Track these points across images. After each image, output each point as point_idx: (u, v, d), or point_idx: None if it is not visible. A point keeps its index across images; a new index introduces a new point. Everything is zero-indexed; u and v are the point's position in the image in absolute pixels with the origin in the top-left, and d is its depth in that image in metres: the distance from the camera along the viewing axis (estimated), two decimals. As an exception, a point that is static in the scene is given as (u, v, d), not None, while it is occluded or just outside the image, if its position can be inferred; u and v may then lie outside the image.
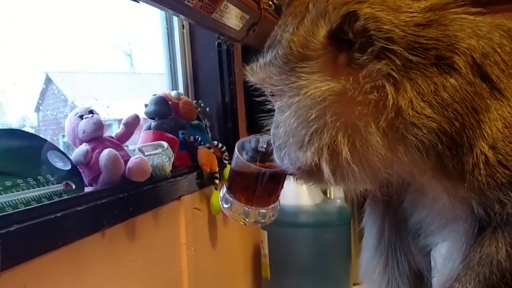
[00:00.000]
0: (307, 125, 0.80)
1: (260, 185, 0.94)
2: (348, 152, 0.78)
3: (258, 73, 0.87)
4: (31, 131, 1.33)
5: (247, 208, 0.96)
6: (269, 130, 0.92)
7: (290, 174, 0.93)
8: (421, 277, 1.07)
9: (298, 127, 0.82)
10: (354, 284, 2.09)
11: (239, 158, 0.96)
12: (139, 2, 1.12)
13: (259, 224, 0.97)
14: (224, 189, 0.99)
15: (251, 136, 1.02)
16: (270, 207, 0.97)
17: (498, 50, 0.79)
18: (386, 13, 0.77)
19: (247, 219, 0.97)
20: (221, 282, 1.82)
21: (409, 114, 0.75)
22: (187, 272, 1.48)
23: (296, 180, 0.94)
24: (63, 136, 1.38)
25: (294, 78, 0.81)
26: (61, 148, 1.37)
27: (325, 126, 0.79)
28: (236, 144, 1.00)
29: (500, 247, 0.78)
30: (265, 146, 0.98)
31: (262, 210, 0.96)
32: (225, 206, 0.99)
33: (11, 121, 1.27)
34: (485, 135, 0.76)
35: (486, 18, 0.84)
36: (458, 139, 0.76)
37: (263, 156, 0.99)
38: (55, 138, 1.42)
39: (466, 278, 0.80)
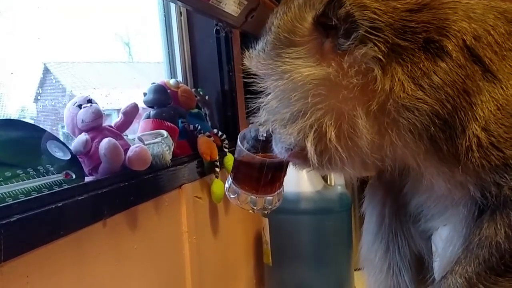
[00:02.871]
0: (290, 105, 0.82)
1: (264, 174, 0.96)
2: (334, 135, 0.80)
3: (252, 59, 0.89)
4: (30, 121, 1.33)
5: (254, 197, 0.98)
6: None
7: (287, 161, 0.95)
8: (422, 261, 1.07)
9: (280, 108, 0.84)
10: (355, 270, 2.11)
11: (242, 149, 0.98)
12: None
13: (266, 211, 1.00)
14: (229, 180, 1.01)
15: (251, 125, 1.03)
16: (276, 193, 1.00)
17: (492, 32, 0.79)
18: (373, 0, 0.78)
19: (254, 207, 1.00)
20: (223, 270, 1.84)
21: (400, 96, 0.76)
22: (189, 260, 1.49)
23: (295, 166, 0.96)
24: (63, 126, 1.38)
25: (279, 63, 0.83)
26: (62, 138, 1.37)
27: (308, 107, 0.80)
28: (239, 135, 1.02)
29: (499, 229, 0.78)
30: (265, 134, 0.99)
31: (269, 197, 0.99)
32: (232, 196, 1.01)
33: (10, 112, 1.27)
34: (477, 117, 0.76)
35: (482, 0, 0.84)
36: (450, 121, 0.76)
37: (264, 144, 1.00)
38: (54, 128, 1.42)
39: (466, 260, 0.81)
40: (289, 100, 0.82)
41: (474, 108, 0.76)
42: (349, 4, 0.75)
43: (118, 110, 1.67)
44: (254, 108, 0.90)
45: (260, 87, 0.88)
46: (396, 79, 0.76)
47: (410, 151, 0.80)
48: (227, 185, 1.02)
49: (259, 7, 1.66)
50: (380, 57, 0.76)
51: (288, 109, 0.83)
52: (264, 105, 0.87)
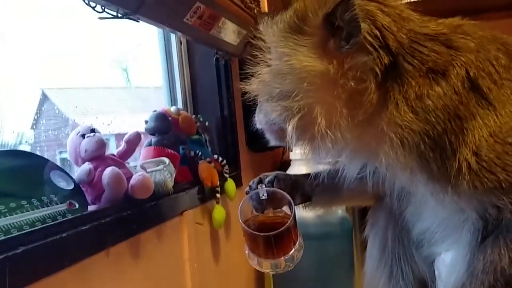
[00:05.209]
0: (282, 84, 0.84)
1: (274, 242, 0.95)
2: (324, 122, 0.81)
3: (266, 27, 0.89)
4: (28, 147, 1.34)
5: (274, 261, 0.97)
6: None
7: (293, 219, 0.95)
8: (425, 286, 1.07)
9: (272, 83, 0.85)
10: (358, 294, 2.09)
11: (244, 227, 0.97)
12: (138, 21, 1.13)
13: (292, 266, 0.99)
14: (247, 249, 1.00)
15: (247, 196, 1.03)
16: (294, 248, 0.97)
17: (494, 62, 0.81)
18: (389, 17, 0.81)
19: (279, 269, 0.98)
20: (225, 297, 1.82)
21: (393, 114, 0.78)
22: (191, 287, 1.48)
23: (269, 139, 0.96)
24: (60, 152, 1.39)
25: (282, 44, 0.84)
26: (60, 163, 1.37)
27: (300, 92, 0.82)
28: (239, 209, 1.00)
29: (503, 254, 0.79)
30: (265, 194, 1.01)
31: (288, 255, 0.97)
32: (254, 264, 1.00)
33: (7, 138, 1.26)
34: (468, 142, 0.78)
35: (487, 32, 0.87)
36: (440, 143, 0.78)
37: (269, 202, 1.01)
38: (52, 154, 1.42)
39: (471, 286, 0.81)
40: (282, 79, 0.83)
41: (466, 133, 0.78)
42: (356, 10, 0.78)
43: (117, 135, 1.69)
44: (248, 73, 0.90)
45: (262, 56, 0.88)
46: (392, 97, 0.79)
47: (400, 164, 0.81)
48: (246, 252, 1.01)
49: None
50: (378, 71, 0.78)
51: (279, 86, 0.84)
52: (258, 74, 0.88)
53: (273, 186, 1.04)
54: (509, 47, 0.86)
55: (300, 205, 1.11)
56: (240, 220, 0.96)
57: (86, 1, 0.97)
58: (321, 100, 0.81)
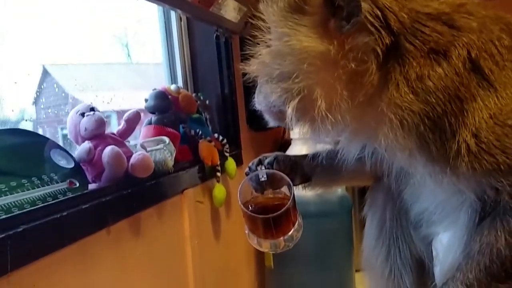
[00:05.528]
0: (281, 65, 0.82)
1: (273, 224, 0.95)
2: (324, 104, 0.80)
3: (267, 6, 0.87)
4: (30, 124, 1.34)
5: (273, 241, 0.98)
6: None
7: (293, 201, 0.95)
8: (423, 265, 1.08)
9: (272, 64, 0.84)
10: (356, 271, 2.12)
11: (244, 209, 0.97)
12: (137, -1, 1.11)
13: (290, 247, 1.00)
14: (247, 229, 1.01)
15: (247, 177, 1.03)
16: (293, 229, 0.98)
17: (496, 43, 0.80)
18: None
19: (278, 249, 0.99)
20: (225, 273, 1.85)
21: (393, 95, 0.78)
22: (191, 264, 1.50)
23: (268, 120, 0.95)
24: (62, 128, 1.39)
25: (282, 24, 0.82)
26: (61, 140, 1.38)
27: (300, 73, 0.81)
28: (238, 191, 1.00)
29: (499, 236, 0.80)
30: (265, 176, 1.01)
31: (288, 236, 0.98)
32: (254, 243, 1.01)
33: (9, 115, 1.25)
34: (468, 123, 0.77)
35: (491, 11, 0.85)
36: (440, 124, 0.78)
37: (268, 183, 1.02)
38: (54, 131, 1.42)
39: (467, 267, 0.82)
40: (282, 60, 0.82)
41: (466, 114, 0.77)
42: None
43: (118, 112, 1.69)
44: (248, 53, 0.89)
45: (262, 36, 0.87)
46: (393, 78, 0.78)
47: (399, 146, 0.80)
48: (246, 232, 1.01)
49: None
50: (379, 52, 0.77)
51: (279, 67, 0.83)
52: (258, 55, 0.87)
53: (272, 168, 1.04)
54: None
55: (300, 186, 1.11)
56: (240, 202, 0.97)
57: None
58: (321, 82, 0.80)
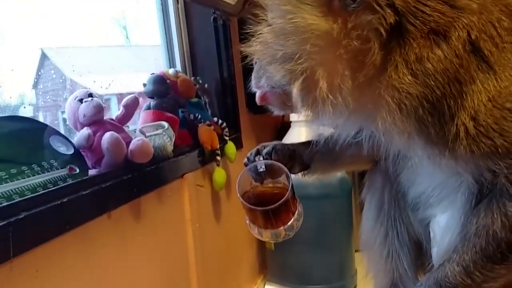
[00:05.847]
0: (284, 45, 0.80)
1: (273, 214, 0.95)
2: (326, 85, 0.79)
3: None
4: (30, 108, 1.34)
5: (274, 230, 0.98)
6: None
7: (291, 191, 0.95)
8: (421, 247, 1.10)
9: (274, 44, 0.82)
10: (356, 251, 2.14)
11: (243, 202, 0.97)
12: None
13: (292, 234, 1.00)
14: (247, 219, 1.01)
15: (246, 168, 1.03)
16: (293, 218, 0.98)
17: (496, 24, 0.79)
18: None
19: (279, 239, 1.00)
20: (226, 256, 1.87)
21: (391, 76, 0.77)
22: (193, 247, 1.52)
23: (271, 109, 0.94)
24: (63, 112, 1.39)
25: (285, 1, 0.80)
26: (62, 124, 1.38)
27: (303, 54, 0.79)
28: (237, 182, 0.99)
29: (495, 218, 0.80)
30: (263, 167, 1.00)
31: (288, 225, 0.98)
32: (255, 233, 1.01)
33: (9, 99, 1.25)
34: (467, 106, 0.76)
35: None
36: (439, 107, 0.77)
37: (267, 173, 1.01)
38: (54, 114, 1.43)
39: (463, 249, 0.82)
40: (285, 40, 0.80)
41: (465, 97, 0.76)
42: None
43: (118, 95, 1.69)
44: (248, 33, 0.86)
45: (262, 15, 0.84)
46: (393, 59, 0.77)
47: (398, 129, 0.80)
48: (247, 222, 1.02)
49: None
50: (382, 31, 0.75)
51: (282, 48, 0.81)
52: (259, 34, 0.84)
53: (271, 158, 1.04)
54: None
55: (299, 173, 1.11)
56: (238, 195, 0.97)
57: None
58: (323, 62, 0.79)
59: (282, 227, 0.97)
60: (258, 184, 1.02)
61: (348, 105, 0.80)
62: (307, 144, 1.10)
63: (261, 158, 1.03)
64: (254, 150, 1.07)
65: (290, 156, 1.08)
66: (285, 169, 0.99)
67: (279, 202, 0.93)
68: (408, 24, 0.76)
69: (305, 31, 0.78)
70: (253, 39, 0.85)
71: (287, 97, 0.85)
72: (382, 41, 0.76)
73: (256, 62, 0.90)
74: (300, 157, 1.09)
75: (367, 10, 0.76)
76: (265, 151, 1.06)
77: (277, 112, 0.94)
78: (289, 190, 0.95)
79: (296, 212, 0.99)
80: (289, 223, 0.97)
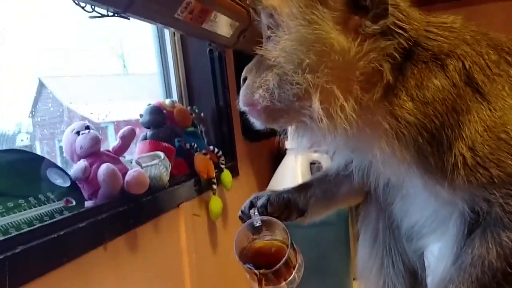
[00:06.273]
0: (304, 54, 0.79)
1: (274, 274, 0.94)
2: (341, 100, 0.78)
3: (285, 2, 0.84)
4: (27, 136, 1.35)
5: (275, 286, 0.96)
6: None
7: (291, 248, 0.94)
8: (416, 276, 1.10)
9: (294, 51, 0.80)
10: (354, 279, 2.13)
11: (242, 265, 0.96)
12: (129, 19, 1.13)
13: (294, 286, 0.98)
14: (248, 276, 1.00)
15: (243, 225, 1.01)
16: (294, 272, 0.97)
17: (485, 56, 0.82)
18: (404, 3, 0.82)
19: None
20: (223, 285, 1.85)
21: (392, 102, 0.78)
22: (189, 278, 1.51)
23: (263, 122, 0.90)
24: (59, 140, 1.40)
25: (309, 11, 0.80)
26: (58, 152, 1.39)
27: (322, 68, 0.78)
28: (234, 240, 0.99)
29: (490, 248, 0.80)
30: (259, 222, 0.99)
31: (289, 280, 0.96)
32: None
33: (6, 128, 1.27)
34: (464, 136, 0.78)
35: (474, 28, 0.87)
36: (438, 136, 0.78)
37: (264, 226, 1.00)
38: (51, 143, 1.44)
39: (459, 279, 0.82)
40: (308, 47, 0.79)
41: (462, 127, 0.78)
42: None
43: (114, 123, 1.70)
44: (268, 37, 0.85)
45: (279, 20, 0.83)
46: (393, 85, 0.79)
47: (396, 159, 0.81)
48: (247, 277, 1.00)
49: (250, 27, 1.69)
50: (397, 56, 0.78)
51: (303, 57, 0.79)
52: (278, 38, 0.82)
53: (266, 210, 1.02)
54: (496, 42, 0.87)
55: (297, 220, 1.10)
56: (236, 257, 0.95)
57: (76, 1, 0.97)
58: (341, 79, 0.79)
59: (283, 283, 0.96)
60: (256, 237, 1.00)
61: (352, 126, 0.80)
62: (301, 188, 1.09)
63: (256, 212, 1.01)
64: (247, 203, 1.05)
65: (286, 206, 1.06)
66: (282, 224, 0.97)
67: (280, 264, 0.91)
68: (417, 50, 0.79)
69: (328, 43, 0.79)
70: (271, 44, 0.84)
71: (279, 113, 0.84)
72: (393, 66, 0.78)
73: (246, 78, 0.88)
74: (296, 205, 1.08)
75: (384, 35, 0.78)
76: (259, 203, 1.03)
77: (259, 125, 0.91)
78: (288, 247, 0.93)
79: (297, 265, 0.97)
80: (290, 278, 0.96)
